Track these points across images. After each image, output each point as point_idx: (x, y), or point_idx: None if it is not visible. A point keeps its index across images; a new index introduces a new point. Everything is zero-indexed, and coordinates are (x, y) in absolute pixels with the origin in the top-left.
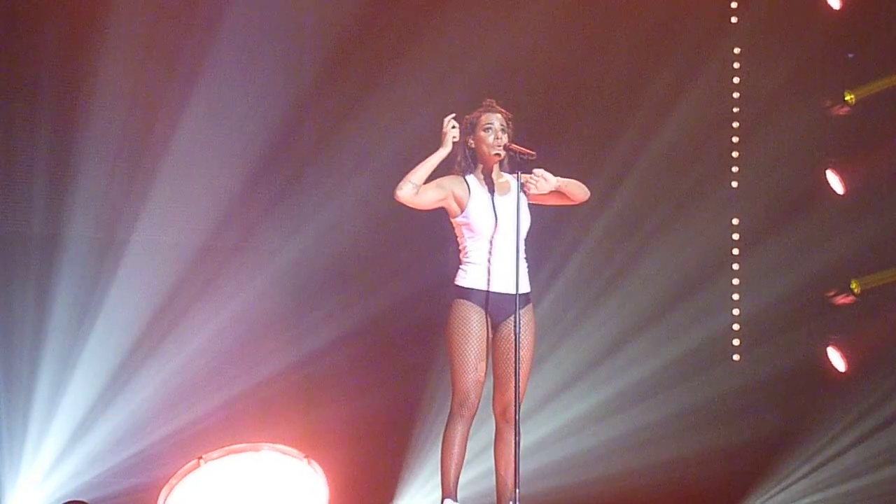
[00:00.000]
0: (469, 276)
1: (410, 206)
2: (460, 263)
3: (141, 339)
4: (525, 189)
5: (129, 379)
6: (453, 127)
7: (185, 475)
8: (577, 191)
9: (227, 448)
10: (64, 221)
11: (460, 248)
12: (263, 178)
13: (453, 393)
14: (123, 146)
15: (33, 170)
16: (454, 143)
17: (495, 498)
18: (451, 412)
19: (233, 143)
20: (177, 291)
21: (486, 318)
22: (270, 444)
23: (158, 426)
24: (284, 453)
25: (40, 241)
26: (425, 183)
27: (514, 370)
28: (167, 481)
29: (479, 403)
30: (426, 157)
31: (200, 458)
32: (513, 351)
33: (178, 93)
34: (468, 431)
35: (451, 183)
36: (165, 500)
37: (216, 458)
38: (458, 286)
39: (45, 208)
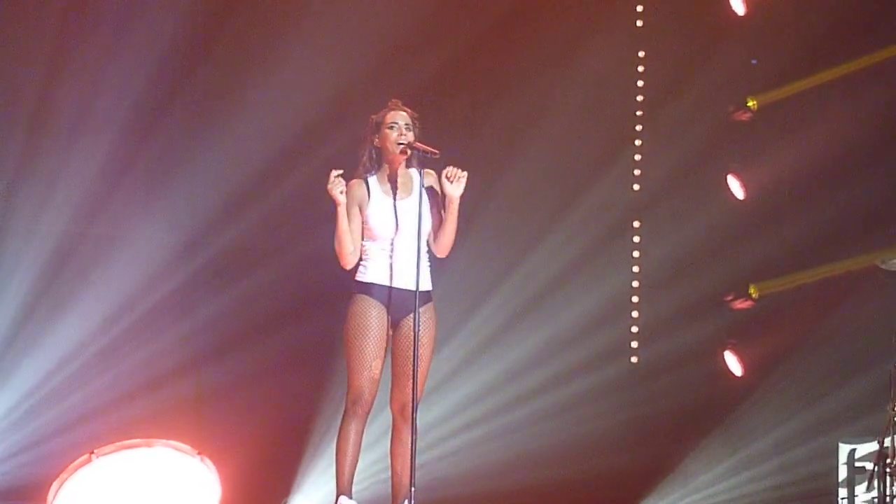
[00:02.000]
0: (370, 272)
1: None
2: (361, 260)
3: (22, 328)
4: (447, 178)
5: (11, 370)
6: (339, 180)
7: (76, 470)
8: (450, 237)
9: (119, 443)
10: None
11: (363, 242)
12: (142, 166)
13: (348, 390)
14: None
15: None
16: (366, 143)
17: (390, 495)
18: (345, 410)
19: (111, 128)
20: (57, 281)
21: (387, 314)
22: (164, 441)
23: (46, 419)
24: (177, 450)
25: None
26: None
27: (412, 368)
28: (57, 476)
29: (373, 401)
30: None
31: (92, 452)
32: (412, 349)
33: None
34: (363, 429)
35: (352, 192)
36: (56, 494)
37: (108, 454)
38: (358, 281)
39: None
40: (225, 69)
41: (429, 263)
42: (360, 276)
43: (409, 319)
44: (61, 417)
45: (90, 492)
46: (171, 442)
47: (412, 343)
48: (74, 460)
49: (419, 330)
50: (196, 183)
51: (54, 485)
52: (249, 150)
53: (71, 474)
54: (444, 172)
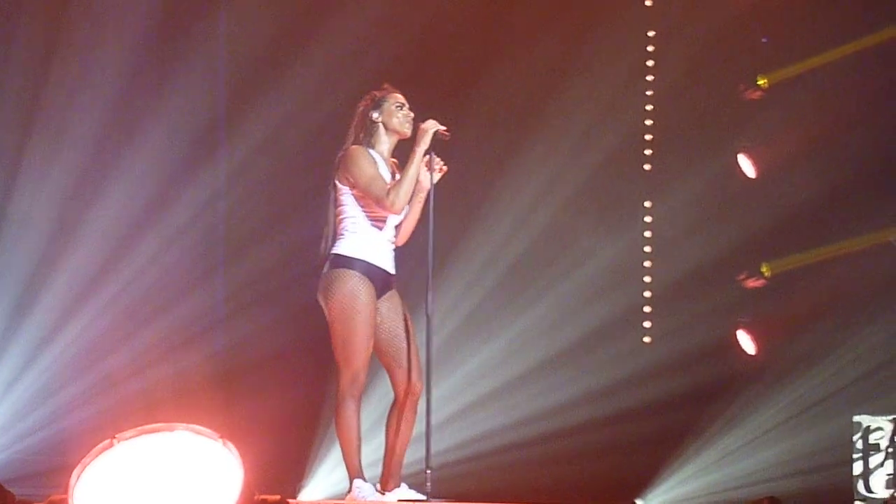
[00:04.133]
0: (354, 246)
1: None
2: (342, 231)
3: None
4: (426, 165)
5: (35, 357)
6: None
7: (98, 455)
8: (411, 224)
9: (140, 428)
10: None
11: (346, 216)
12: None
13: (343, 371)
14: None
15: None
16: (362, 114)
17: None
18: (341, 392)
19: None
20: (79, 272)
21: (373, 291)
22: (185, 425)
23: (71, 407)
24: (199, 434)
25: None
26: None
27: (407, 347)
28: (79, 461)
29: (366, 381)
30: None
31: (114, 437)
32: (400, 326)
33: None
34: (359, 409)
35: (368, 157)
36: (78, 479)
37: (130, 438)
38: (340, 255)
39: None
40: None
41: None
42: (342, 250)
43: (385, 300)
44: (80, 400)
45: (112, 476)
46: (193, 426)
47: (396, 323)
48: (94, 445)
49: (403, 310)
50: (220, 172)
51: (76, 470)
52: (277, 138)
53: (93, 459)
54: (426, 159)
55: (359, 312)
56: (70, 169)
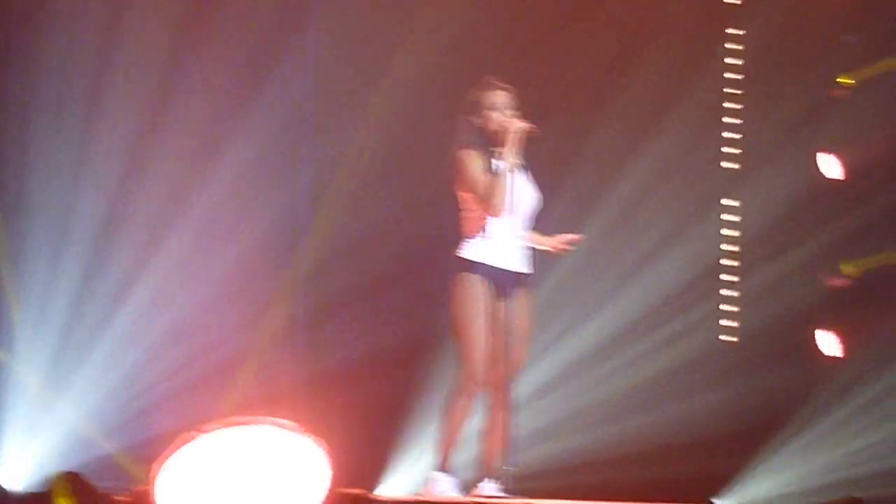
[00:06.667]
0: (474, 250)
1: None
2: (465, 236)
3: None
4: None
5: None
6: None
7: (181, 447)
8: None
9: (225, 420)
10: None
11: (466, 219)
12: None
13: (462, 367)
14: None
15: None
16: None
17: (478, 472)
18: (458, 386)
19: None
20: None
21: (492, 292)
22: (270, 418)
23: (159, 403)
24: (284, 427)
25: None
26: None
27: (509, 343)
28: (161, 453)
29: (484, 379)
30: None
31: (198, 429)
32: (511, 325)
33: None
34: (472, 409)
35: (477, 160)
36: (160, 471)
37: (213, 430)
38: (462, 258)
39: None
40: None
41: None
42: (464, 253)
43: (510, 298)
44: (169, 396)
45: (195, 469)
46: (278, 419)
47: (512, 321)
48: (177, 437)
49: (527, 310)
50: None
51: (158, 461)
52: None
53: (176, 451)
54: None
55: (469, 314)
56: (167, 164)
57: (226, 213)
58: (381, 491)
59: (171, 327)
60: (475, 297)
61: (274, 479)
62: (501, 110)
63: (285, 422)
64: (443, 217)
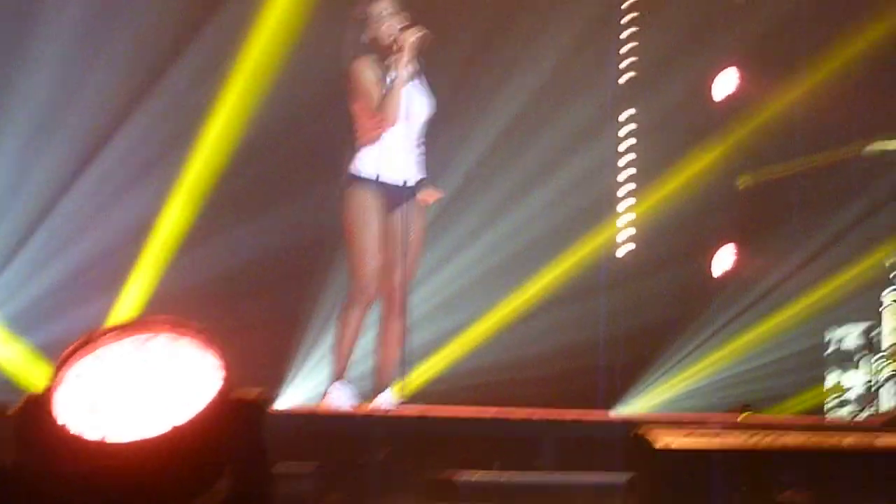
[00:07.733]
0: (367, 161)
1: None
2: (359, 146)
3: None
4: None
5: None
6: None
7: (76, 352)
8: None
9: (120, 323)
10: None
11: (356, 132)
12: None
13: (353, 279)
14: None
15: None
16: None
17: (373, 382)
18: (350, 298)
19: None
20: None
21: (383, 203)
22: (167, 318)
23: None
24: (181, 328)
25: None
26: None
27: (402, 254)
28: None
29: (376, 292)
30: None
31: (92, 334)
32: (404, 236)
33: None
34: (363, 319)
35: (372, 70)
36: (53, 377)
37: (108, 334)
38: (353, 172)
39: None
40: None
41: (423, 152)
42: (354, 169)
43: (400, 209)
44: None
45: (89, 375)
46: (176, 319)
47: (402, 230)
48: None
49: (411, 217)
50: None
51: (53, 368)
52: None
53: (68, 357)
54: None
55: (360, 228)
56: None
57: (121, 120)
58: (278, 403)
59: (61, 233)
60: (366, 210)
61: (169, 385)
62: (389, 18)
63: (183, 321)
64: (338, 125)
